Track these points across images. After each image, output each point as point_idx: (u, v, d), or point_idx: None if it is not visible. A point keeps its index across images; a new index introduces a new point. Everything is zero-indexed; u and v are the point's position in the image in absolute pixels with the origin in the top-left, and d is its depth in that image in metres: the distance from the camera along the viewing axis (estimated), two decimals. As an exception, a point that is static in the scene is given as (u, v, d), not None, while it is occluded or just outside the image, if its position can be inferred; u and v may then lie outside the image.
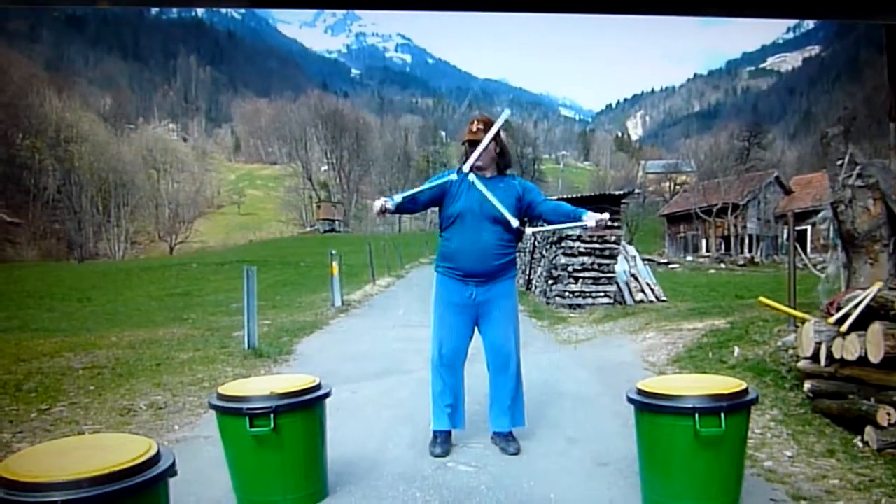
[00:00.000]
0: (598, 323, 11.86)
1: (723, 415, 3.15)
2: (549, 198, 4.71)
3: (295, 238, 79.28)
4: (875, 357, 4.32)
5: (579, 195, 16.35)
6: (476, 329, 4.54)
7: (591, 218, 4.26)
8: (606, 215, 4.39)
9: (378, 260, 23.61)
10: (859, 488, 3.69)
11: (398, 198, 4.34)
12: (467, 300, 4.43)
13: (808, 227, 40.54)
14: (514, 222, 4.35)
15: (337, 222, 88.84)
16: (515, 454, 4.36)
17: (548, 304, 15.55)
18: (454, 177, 4.47)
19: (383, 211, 4.32)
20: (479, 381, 4.93)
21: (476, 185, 4.35)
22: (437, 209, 4.60)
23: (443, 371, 4.47)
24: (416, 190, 4.49)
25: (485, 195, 4.34)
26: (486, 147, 4.39)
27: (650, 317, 11.45)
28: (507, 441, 4.47)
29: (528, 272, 19.40)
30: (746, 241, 53.41)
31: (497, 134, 4.47)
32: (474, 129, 4.47)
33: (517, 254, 4.83)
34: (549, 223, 4.62)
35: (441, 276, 4.52)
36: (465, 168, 4.38)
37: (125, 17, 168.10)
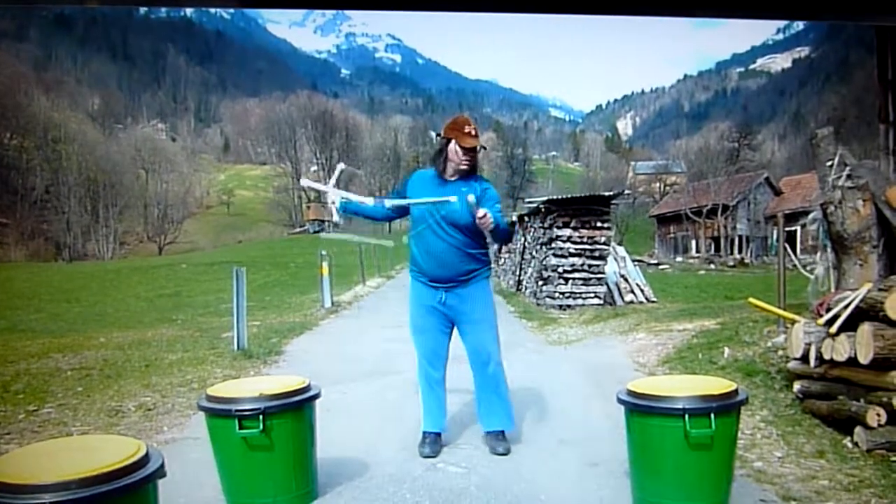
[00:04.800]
0: (588, 324, 11.87)
1: (712, 416, 3.15)
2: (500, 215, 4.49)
3: (285, 239, 79.09)
4: (864, 358, 4.33)
5: (570, 196, 16.33)
6: (455, 330, 4.52)
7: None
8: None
9: (368, 261, 23.60)
10: (849, 489, 3.70)
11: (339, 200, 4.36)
12: (439, 305, 4.39)
13: (798, 228, 40.68)
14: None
15: (327, 223, 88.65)
16: (505, 454, 4.35)
17: (538, 305, 15.56)
18: (417, 175, 4.52)
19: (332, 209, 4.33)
20: (469, 382, 4.93)
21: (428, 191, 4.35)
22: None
23: (427, 372, 4.47)
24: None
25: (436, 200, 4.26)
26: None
27: (640, 318, 11.47)
28: (497, 441, 4.45)
29: (518, 273, 19.42)
30: (736, 241, 53.69)
31: None
32: (473, 134, 4.33)
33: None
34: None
35: (413, 280, 4.51)
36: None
37: (114, 16, 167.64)
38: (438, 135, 4.48)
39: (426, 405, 4.49)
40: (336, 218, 4.39)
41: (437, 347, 4.46)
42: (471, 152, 4.33)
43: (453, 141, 4.32)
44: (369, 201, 4.50)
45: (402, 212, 4.52)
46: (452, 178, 4.38)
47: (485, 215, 4.10)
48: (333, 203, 4.40)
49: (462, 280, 4.37)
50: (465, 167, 4.35)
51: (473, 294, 4.42)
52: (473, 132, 4.33)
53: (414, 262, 4.45)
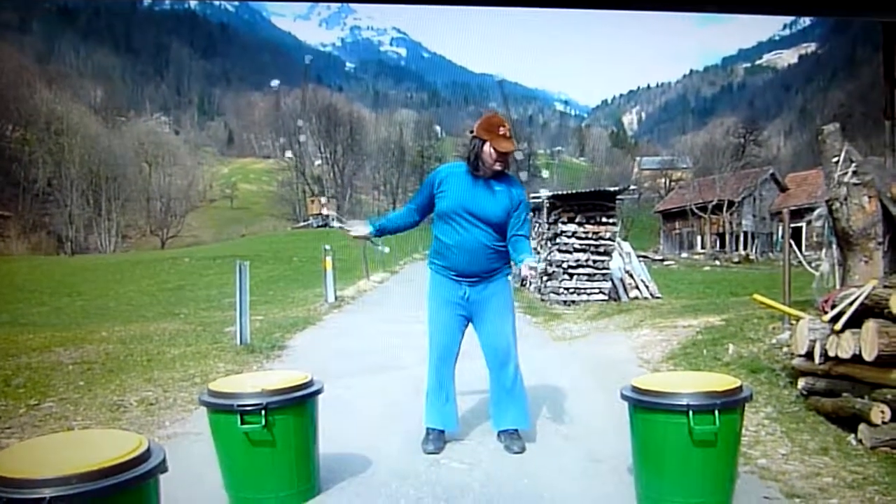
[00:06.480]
0: (592, 319, 11.86)
1: (717, 412, 3.14)
2: (519, 233, 4.46)
3: (288, 233, 79.05)
4: (869, 355, 4.32)
5: (574, 191, 16.31)
6: (472, 327, 4.49)
7: (524, 266, 4.17)
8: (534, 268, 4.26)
9: (372, 255, 23.57)
10: (853, 486, 3.69)
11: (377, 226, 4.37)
12: (461, 299, 4.37)
13: (804, 225, 40.57)
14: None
15: (331, 217, 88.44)
16: (520, 453, 4.31)
17: (542, 300, 15.55)
18: (448, 170, 4.43)
19: (364, 237, 4.33)
20: (474, 379, 4.91)
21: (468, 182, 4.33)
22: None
23: (437, 367, 4.44)
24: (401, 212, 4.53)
25: (476, 194, 4.30)
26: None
27: (645, 314, 11.45)
28: (511, 439, 4.41)
29: (521, 268, 19.37)
30: (741, 238, 53.58)
31: None
32: (508, 136, 4.26)
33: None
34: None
35: (434, 274, 4.47)
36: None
37: (117, 8, 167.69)
38: (471, 132, 4.39)
39: (432, 401, 4.46)
40: (379, 245, 4.45)
41: (451, 344, 4.44)
42: (505, 156, 4.29)
43: (488, 143, 4.26)
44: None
45: (427, 212, 4.49)
46: (485, 177, 4.35)
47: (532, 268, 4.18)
48: (368, 236, 4.41)
49: (487, 276, 4.38)
50: (498, 168, 4.32)
51: (496, 291, 4.42)
52: (508, 134, 4.27)
53: (438, 255, 4.43)
